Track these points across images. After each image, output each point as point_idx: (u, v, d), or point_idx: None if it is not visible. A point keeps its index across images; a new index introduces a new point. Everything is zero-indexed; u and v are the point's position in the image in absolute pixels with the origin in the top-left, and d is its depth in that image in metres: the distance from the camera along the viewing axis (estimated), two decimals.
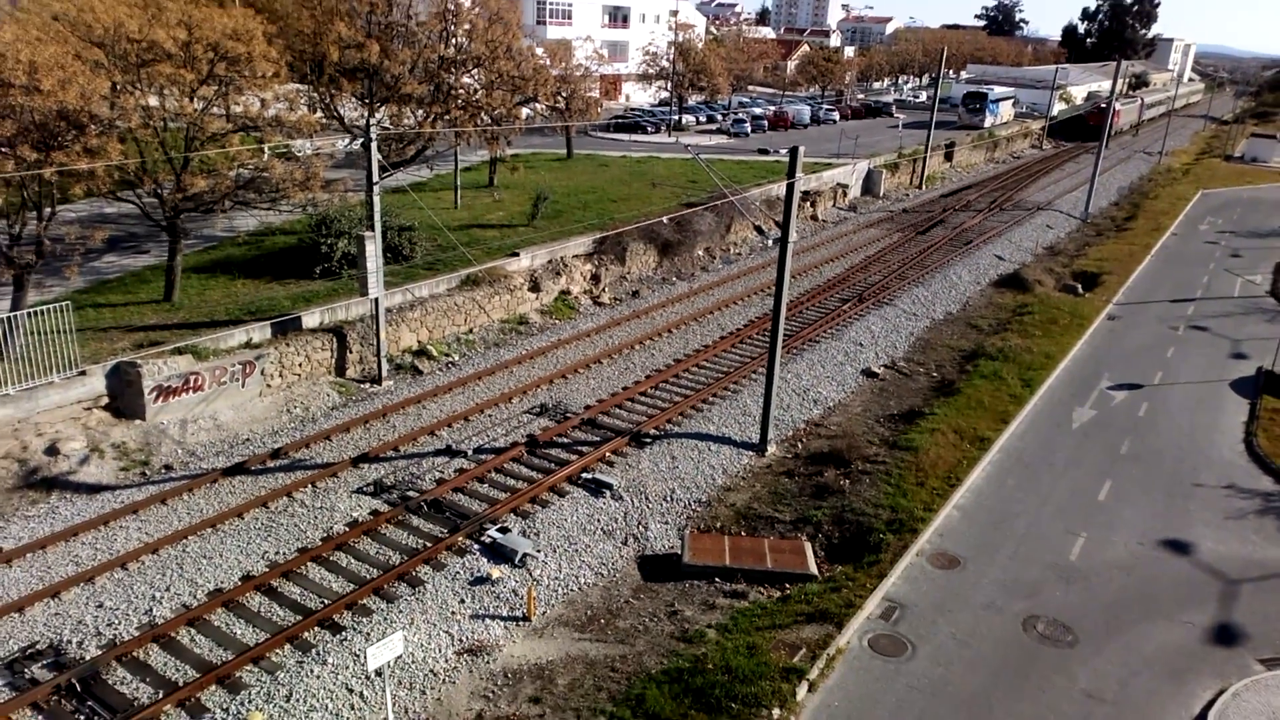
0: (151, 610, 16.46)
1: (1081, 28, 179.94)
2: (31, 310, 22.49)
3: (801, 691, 15.36)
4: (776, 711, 14.83)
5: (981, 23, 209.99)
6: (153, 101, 26.02)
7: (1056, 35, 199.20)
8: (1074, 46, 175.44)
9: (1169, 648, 17.03)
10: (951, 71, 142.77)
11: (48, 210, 23.88)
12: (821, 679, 15.77)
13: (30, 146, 22.05)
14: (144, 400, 22.22)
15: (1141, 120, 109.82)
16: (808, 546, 19.87)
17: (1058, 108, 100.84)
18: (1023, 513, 21.66)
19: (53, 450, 20.80)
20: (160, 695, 14.44)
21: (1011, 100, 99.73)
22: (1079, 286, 41.20)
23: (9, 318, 22.19)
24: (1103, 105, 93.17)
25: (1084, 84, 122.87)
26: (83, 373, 21.79)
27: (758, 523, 21.16)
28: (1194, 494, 22.84)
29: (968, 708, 15.33)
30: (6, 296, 25.10)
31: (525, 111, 44.51)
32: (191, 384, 23.01)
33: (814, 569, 19.12)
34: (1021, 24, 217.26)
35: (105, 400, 22.23)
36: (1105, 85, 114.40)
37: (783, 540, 20.20)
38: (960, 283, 40.52)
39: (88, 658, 15.15)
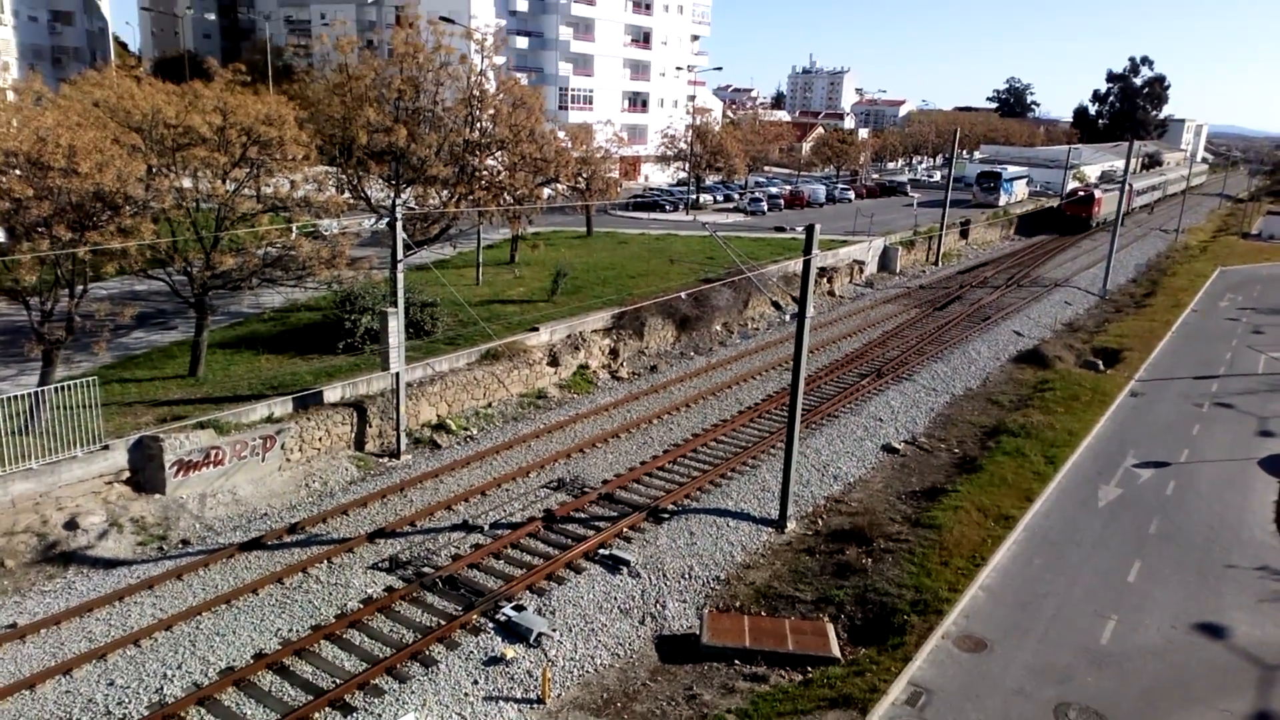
0: (162, 689, 16.23)
1: (1093, 109, 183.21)
2: (59, 385, 22.85)
3: None
4: None
5: (993, 105, 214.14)
6: (186, 183, 26.88)
7: (1068, 117, 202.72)
8: (1086, 127, 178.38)
9: None
10: (965, 151, 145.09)
11: (80, 288, 24.47)
12: None
13: (66, 226, 22.74)
14: (164, 474, 22.34)
15: (1131, 209, 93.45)
16: (830, 628, 19.42)
17: (1071, 186, 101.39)
18: (1051, 594, 21.12)
19: (72, 524, 20.86)
20: None
21: (1025, 179, 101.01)
22: (1100, 363, 40.95)
23: (36, 392, 22.54)
24: (1081, 192, 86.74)
25: (1097, 163, 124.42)
26: (105, 447, 21.99)
27: (778, 602, 20.74)
28: (1226, 575, 22.22)
29: None
30: (35, 371, 25.54)
31: (547, 191, 45.52)
32: (212, 458, 23.14)
33: (836, 651, 18.64)
34: (1033, 105, 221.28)
35: (126, 474, 22.36)
36: (1119, 164, 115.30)
37: (804, 621, 19.75)
38: (979, 358, 40.41)
39: None
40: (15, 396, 22.28)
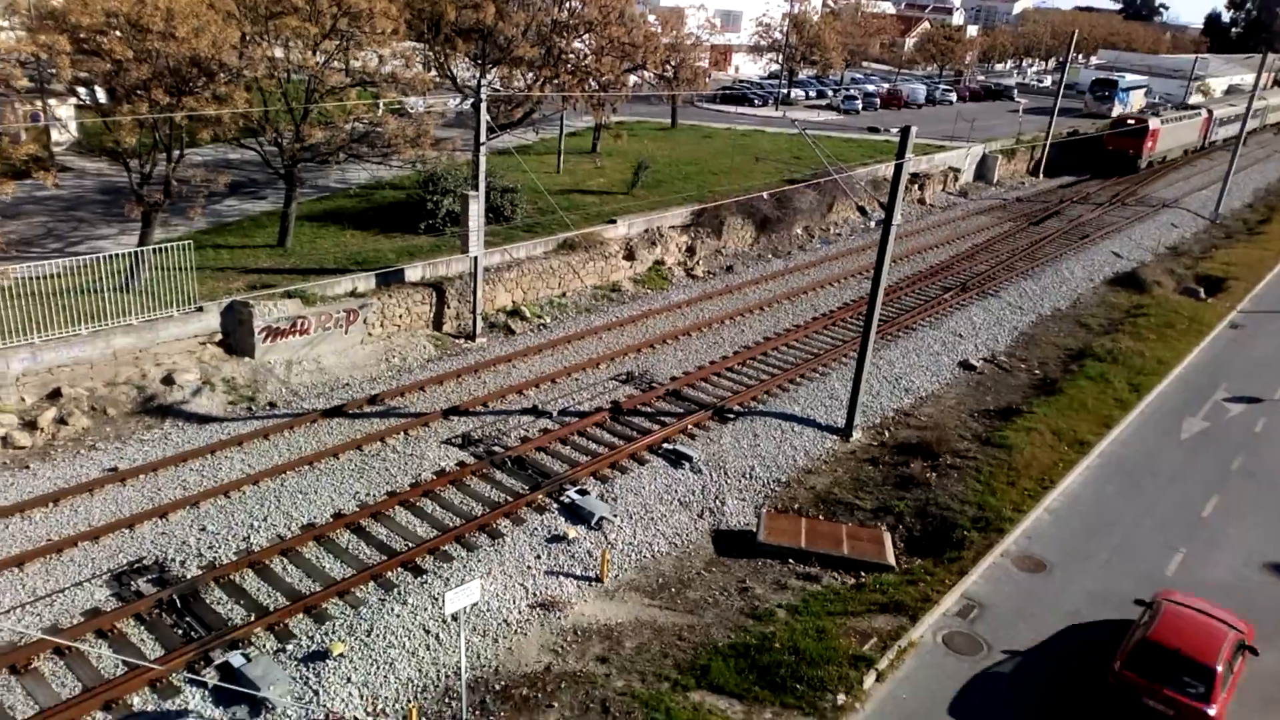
0: (249, 538, 17.38)
1: (1226, 16, 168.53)
2: (156, 246, 23.80)
3: (869, 680, 15.20)
4: (842, 697, 14.73)
5: (1117, 6, 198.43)
6: (278, 53, 27.01)
7: (1199, 22, 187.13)
8: (1217, 36, 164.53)
9: (1265, 674, 16.15)
10: (1081, 56, 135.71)
11: (176, 153, 25.13)
12: (890, 670, 15.57)
13: (163, 90, 23.19)
14: (254, 339, 23.32)
15: (1210, 142, 74.86)
16: (887, 536, 19.55)
17: (1195, 99, 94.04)
18: (1119, 522, 20.78)
19: (169, 380, 22.07)
20: (252, 618, 15.28)
21: (1144, 90, 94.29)
22: (1201, 290, 38.91)
23: (136, 252, 23.54)
24: (1132, 121, 63.56)
25: (1225, 76, 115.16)
26: (200, 309, 22.99)
27: (837, 508, 20.91)
28: None
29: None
30: (135, 232, 26.60)
31: (633, 79, 44.38)
32: (299, 327, 24.01)
33: (892, 560, 18.81)
34: (1161, 9, 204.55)
35: (219, 336, 23.43)
36: (1248, 79, 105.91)
37: (861, 528, 19.92)
38: (1072, 278, 38.78)
39: (189, 576, 16.13)
40: (116, 255, 23.33)
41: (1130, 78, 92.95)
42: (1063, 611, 17.47)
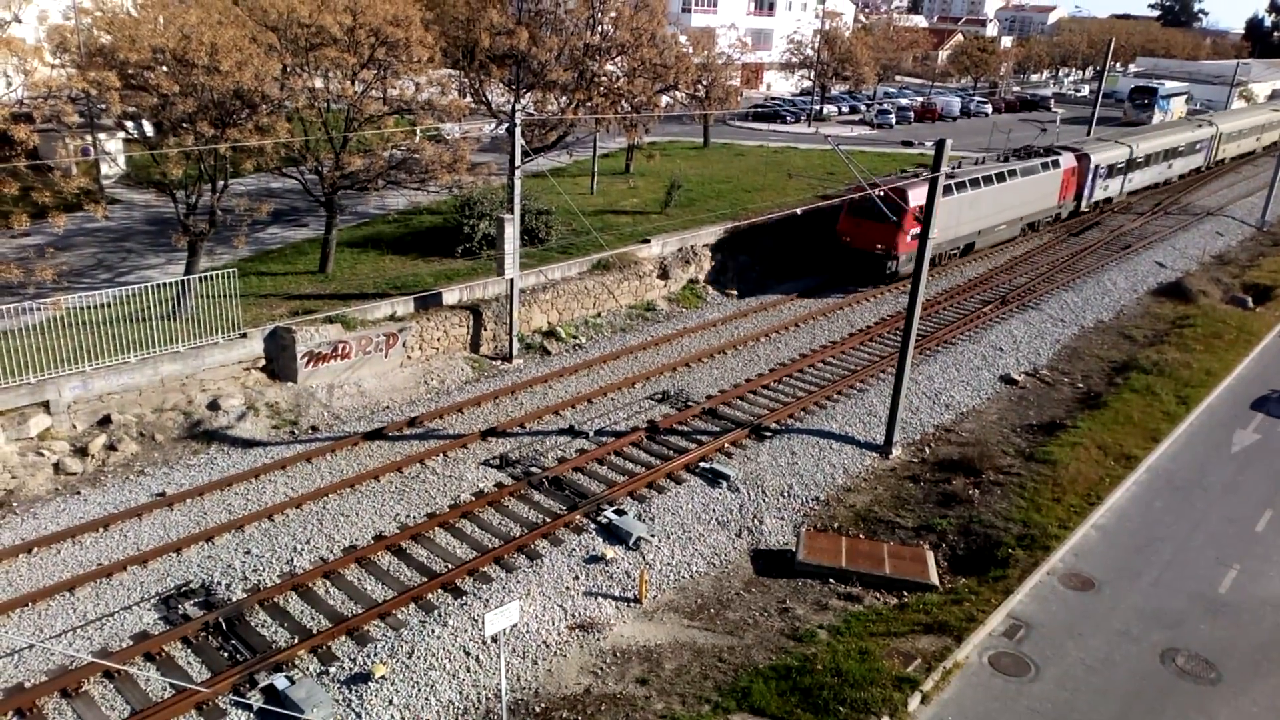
0: (292, 560, 17.61)
1: (1268, 20, 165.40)
2: (202, 275, 24.37)
3: (914, 702, 14.95)
4: (886, 719, 14.50)
5: (1155, 13, 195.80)
6: (317, 84, 27.64)
7: (1239, 27, 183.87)
8: (1259, 40, 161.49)
9: None
10: (1119, 64, 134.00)
11: (221, 183, 25.77)
12: (936, 691, 15.29)
13: (208, 123, 23.82)
14: (296, 364, 23.73)
15: (1092, 203, 48.17)
16: (929, 555, 19.26)
17: (1236, 104, 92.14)
18: (1169, 538, 20.27)
19: (214, 405, 22.52)
20: (296, 640, 15.45)
21: (1184, 97, 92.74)
22: (1249, 300, 38.00)
23: (183, 280, 24.13)
24: (878, 193, 30.31)
25: (1268, 81, 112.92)
26: (244, 335, 23.46)
27: (877, 526, 20.66)
28: None
29: None
30: (181, 261, 27.26)
31: (665, 99, 44.68)
32: (340, 351, 24.39)
33: (935, 579, 18.52)
34: (1200, 15, 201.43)
35: (262, 362, 23.87)
36: None
37: (903, 546, 19.65)
38: (1115, 289, 38.11)
39: (234, 599, 16.38)
40: (164, 284, 23.92)
41: (1170, 85, 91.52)
42: (1112, 630, 17.06)
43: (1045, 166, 42.20)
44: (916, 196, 33.32)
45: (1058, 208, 45.22)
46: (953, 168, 36.17)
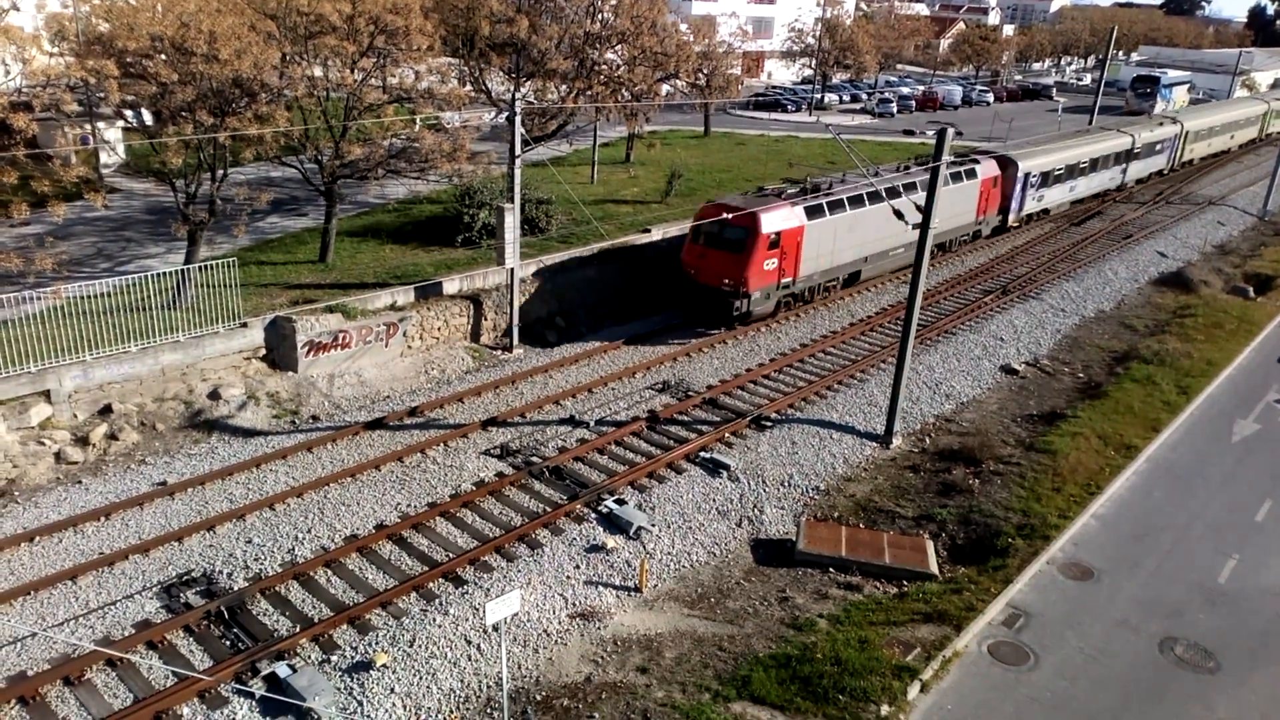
0: (294, 549, 17.65)
1: (1271, 8, 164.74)
2: (202, 264, 24.35)
3: (913, 691, 15.00)
4: (885, 708, 14.55)
5: (1158, 1, 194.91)
6: (317, 72, 27.54)
7: (1242, 16, 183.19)
8: (1261, 29, 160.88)
9: None
10: (1121, 53, 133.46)
11: (220, 172, 25.70)
12: (935, 680, 15.35)
13: (207, 111, 23.75)
14: (297, 354, 23.73)
15: (1023, 216, 42.74)
16: (929, 544, 19.30)
17: (1239, 94, 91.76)
18: (1169, 527, 20.31)
19: (215, 395, 22.53)
20: (297, 629, 15.50)
21: (1187, 85, 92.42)
22: (1250, 289, 37.96)
23: (183, 270, 24.10)
24: (727, 215, 27.09)
25: (1270, 70, 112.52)
26: (244, 325, 23.45)
27: (877, 516, 20.69)
28: None
29: None
30: (181, 251, 27.22)
31: (665, 88, 44.53)
32: (340, 341, 24.38)
33: (934, 568, 18.56)
34: (1203, 3, 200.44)
35: (263, 352, 23.86)
36: None
37: (903, 536, 19.69)
38: (1116, 279, 38.07)
39: (236, 588, 16.42)
40: (164, 273, 23.90)
41: (1173, 73, 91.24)
42: (1111, 620, 17.11)
43: (957, 177, 36.01)
44: (772, 222, 28.01)
45: (976, 224, 38.95)
46: (827, 185, 31.35)
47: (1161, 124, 54.00)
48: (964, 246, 39.84)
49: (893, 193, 30.66)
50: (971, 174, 36.91)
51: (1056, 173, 43.04)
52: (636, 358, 27.40)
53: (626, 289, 32.00)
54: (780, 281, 29.24)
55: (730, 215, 27.07)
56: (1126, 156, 49.32)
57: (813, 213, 29.49)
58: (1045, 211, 44.97)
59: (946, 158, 21.11)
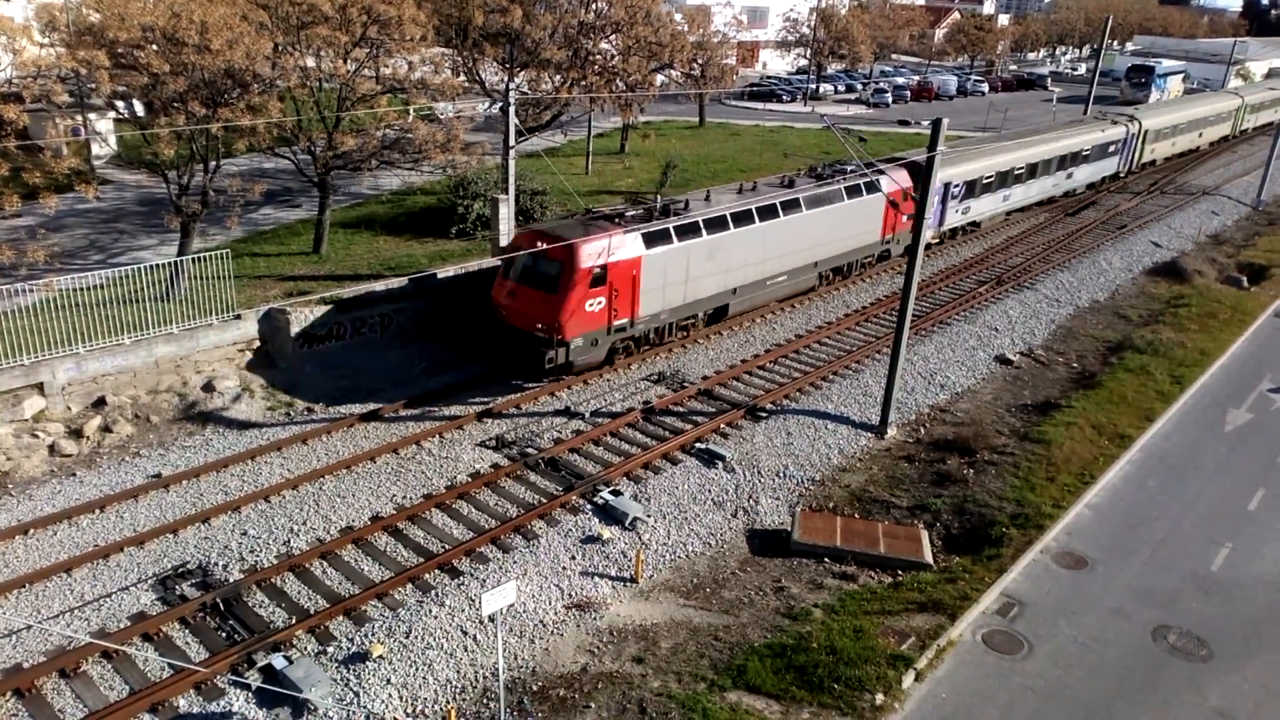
0: (289, 541, 17.64)
1: None
2: (195, 256, 24.26)
3: (908, 680, 15.07)
4: (880, 697, 14.62)
5: None
6: (309, 63, 27.41)
7: (1237, 5, 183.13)
8: (1256, 18, 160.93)
9: None
10: (1116, 42, 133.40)
11: (213, 163, 25.59)
12: (930, 669, 15.42)
13: (200, 102, 23.63)
14: (291, 346, 23.65)
15: (885, 249, 34.61)
16: (924, 534, 19.36)
17: (1234, 83, 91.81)
18: (1162, 517, 20.40)
19: (209, 387, 22.47)
20: (293, 620, 15.51)
21: (1181, 75, 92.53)
22: (1244, 279, 38.06)
23: (176, 262, 24.01)
24: (542, 243, 23.11)
25: (1265, 60, 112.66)
26: (238, 316, 23.38)
27: (872, 506, 20.75)
28: None
29: (1085, 714, 14.68)
30: (174, 242, 27.12)
31: (660, 78, 44.42)
32: (334, 333, 24.31)
33: (929, 558, 18.63)
34: None
35: (257, 344, 23.79)
36: None
37: (898, 526, 19.75)
38: (1110, 269, 38.14)
39: (231, 580, 16.42)
40: (157, 265, 23.81)
41: (1167, 63, 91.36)
42: (1105, 608, 17.20)
43: (854, 191, 31.05)
44: (595, 254, 22.93)
45: (883, 244, 33.96)
46: (682, 205, 26.34)
47: (1115, 123, 49.81)
48: (873, 268, 35.11)
49: (768, 212, 27.70)
50: (874, 187, 31.39)
51: (986, 181, 38.71)
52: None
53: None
54: (611, 324, 24.12)
55: (544, 245, 22.96)
56: (1072, 160, 45.62)
57: (655, 240, 24.40)
58: (976, 225, 40.83)
59: (941, 147, 21.09)
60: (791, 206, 28.67)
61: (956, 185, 36.84)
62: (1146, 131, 52.15)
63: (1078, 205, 48.44)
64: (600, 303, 23.54)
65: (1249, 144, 68.39)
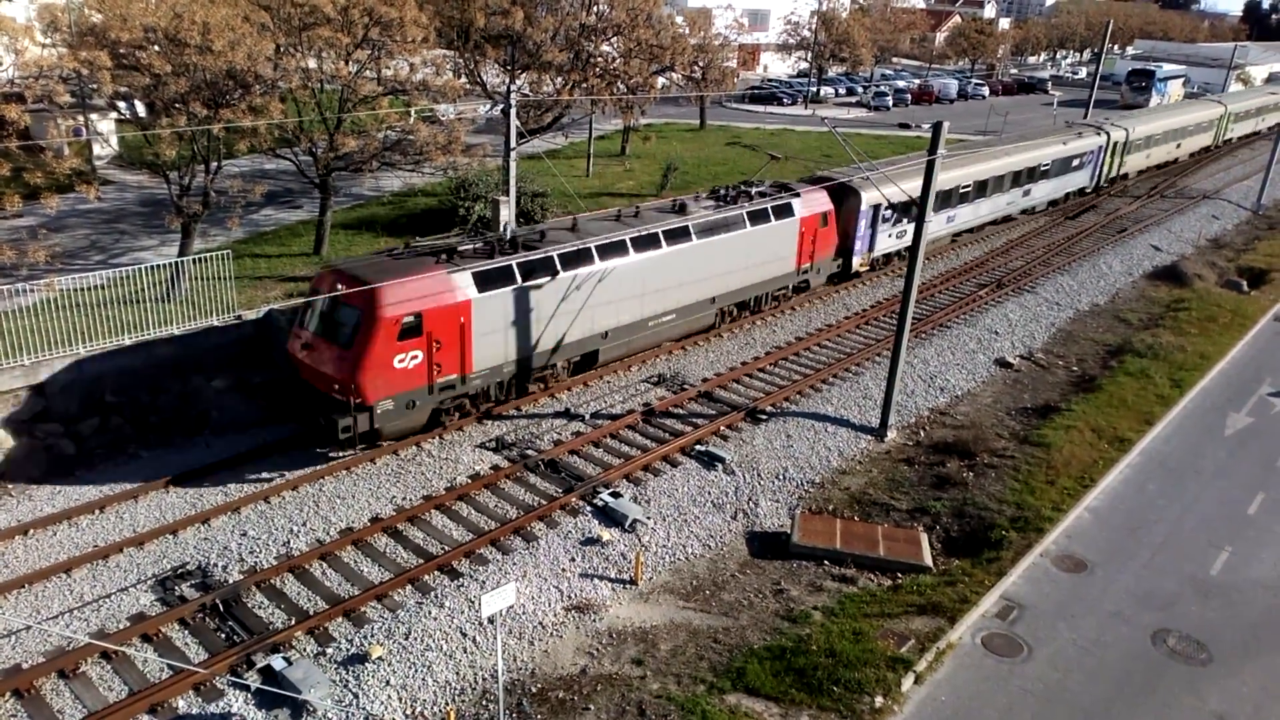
0: (289, 542, 17.64)
1: (1266, 2, 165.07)
2: (196, 257, 24.27)
3: (907, 682, 15.07)
4: (879, 699, 14.62)
5: None
6: (311, 64, 27.45)
7: (1238, 10, 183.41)
8: (1257, 23, 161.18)
9: None
10: (1116, 46, 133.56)
11: (214, 164, 25.62)
12: (929, 672, 15.42)
13: (201, 103, 23.66)
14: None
15: (802, 280, 30.63)
16: (924, 537, 19.36)
17: (1234, 88, 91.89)
18: (1162, 520, 20.40)
19: (210, 388, 22.43)
20: (293, 622, 15.50)
21: (1182, 79, 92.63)
22: (1244, 283, 38.09)
23: (177, 262, 24.03)
24: (343, 285, 19.04)
25: (1266, 64, 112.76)
26: (239, 318, 23.38)
27: (872, 509, 20.75)
28: None
29: (1084, 718, 14.67)
30: (175, 243, 27.14)
31: (661, 81, 44.47)
32: None
33: (929, 561, 18.63)
34: None
35: (257, 344, 23.77)
36: None
37: (897, 529, 19.75)
38: (1110, 273, 38.16)
39: (231, 581, 16.41)
40: (157, 266, 23.83)
41: (1168, 67, 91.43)
42: (1104, 612, 17.20)
43: (760, 217, 27.41)
44: (405, 299, 19.07)
45: (799, 274, 30.08)
46: (536, 236, 22.96)
47: (1081, 135, 46.50)
48: (790, 301, 31.32)
49: (648, 242, 24.27)
50: (785, 211, 28.17)
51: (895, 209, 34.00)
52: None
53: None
54: (434, 383, 20.24)
55: (343, 288, 19.01)
56: (1029, 176, 42.02)
57: (492, 280, 20.67)
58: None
59: (941, 151, 21.10)
60: (679, 235, 25.04)
61: (887, 210, 33.05)
62: (1116, 143, 48.84)
63: (1078, 208, 48.46)
64: (417, 357, 19.56)
65: (1231, 156, 65.80)
